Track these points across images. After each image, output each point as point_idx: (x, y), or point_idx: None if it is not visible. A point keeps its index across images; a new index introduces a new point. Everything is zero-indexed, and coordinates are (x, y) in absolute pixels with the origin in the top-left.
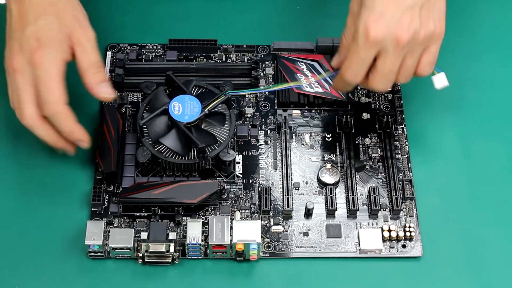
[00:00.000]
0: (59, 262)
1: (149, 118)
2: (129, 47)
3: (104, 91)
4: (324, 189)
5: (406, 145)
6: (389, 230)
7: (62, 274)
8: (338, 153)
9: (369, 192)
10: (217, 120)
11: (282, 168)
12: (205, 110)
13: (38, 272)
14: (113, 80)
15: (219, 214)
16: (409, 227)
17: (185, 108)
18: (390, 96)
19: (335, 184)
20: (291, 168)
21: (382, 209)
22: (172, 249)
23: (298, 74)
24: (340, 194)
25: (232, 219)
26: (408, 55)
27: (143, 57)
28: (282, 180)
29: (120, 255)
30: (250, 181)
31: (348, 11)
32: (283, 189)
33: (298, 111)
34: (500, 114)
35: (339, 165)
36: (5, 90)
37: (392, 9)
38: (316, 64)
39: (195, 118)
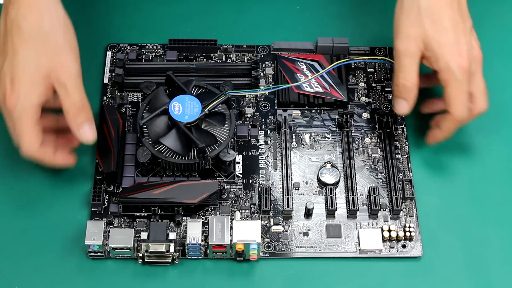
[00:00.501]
0: (59, 262)
1: (149, 118)
2: (129, 47)
3: (85, 134)
4: (324, 189)
5: (406, 145)
6: (389, 230)
7: (62, 274)
8: (338, 153)
9: (369, 192)
10: (217, 120)
11: (282, 168)
12: (205, 110)
13: (38, 272)
14: (113, 80)
15: (219, 214)
16: (409, 227)
17: (185, 108)
18: (390, 96)
19: (335, 184)
20: (291, 168)
21: (382, 209)
22: (172, 249)
23: (298, 74)
24: (340, 194)
25: (232, 219)
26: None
27: (143, 57)
28: (282, 180)
29: (120, 255)
30: (250, 181)
31: (401, 53)
32: (283, 189)
33: (298, 111)
34: (500, 114)
35: (339, 165)
36: None
37: (464, 36)
38: (316, 64)
39: (195, 118)
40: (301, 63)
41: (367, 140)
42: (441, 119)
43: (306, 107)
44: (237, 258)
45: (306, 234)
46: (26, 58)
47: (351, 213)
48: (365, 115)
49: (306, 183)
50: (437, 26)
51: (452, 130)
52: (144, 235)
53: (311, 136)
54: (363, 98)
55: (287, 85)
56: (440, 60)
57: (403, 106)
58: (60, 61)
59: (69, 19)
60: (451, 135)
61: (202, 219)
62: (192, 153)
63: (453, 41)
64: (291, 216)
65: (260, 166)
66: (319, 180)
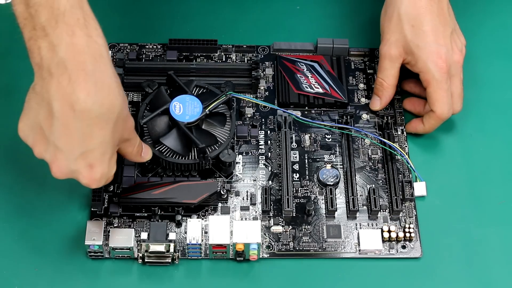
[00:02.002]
0: (59, 262)
1: (150, 117)
2: (129, 46)
3: (145, 157)
4: (324, 189)
5: (406, 146)
6: (389, 231)
7: (62, 274)
8: (338, 153)
9: (369, 193)
10: (218, 121)
11: (282, 168)
12: (206, 111)
13: (38, 272)
14: None
15: (219, 214)
16: (409, 228)
17: (186, 108)
18: None
19: (335, 185)
20: (291, 168)
21: (382, 210)
22: (172, 249)
23: (298, 75)
24: (340, 195)
25: (232, 219)
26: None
27: (143, 56)
28: (282, 180)
29: (120, 255)
30: (250, 181)
31: (382, 55)
32: (283, 189)
33: (298, 112)
34: (500, 114)
35: (339, 165)
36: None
37: (443, 39)
38: (316, 65)
39: (195, 118)
40: (301, 63)
41: (367, 141)
42: (425, 116)
43: (306, 108)
44: (237, 258)
45: (305, 234)
46: (103, 141)
47: (351, 213)
48: (365, 116)
49: (306, 183)
50: (416, 31)
51: (435, 127)
52: (144, 235)
53: (311, 136)
54: (363, 99)
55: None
56: (419, 62)
57: (376, 103)
58: (126, 126)
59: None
60: (432, 130)
61: (202, 219)
62: (192, 153)
63: (432, 43)
64: (291, 216)
65: (260, 166)
66: (319, 180)
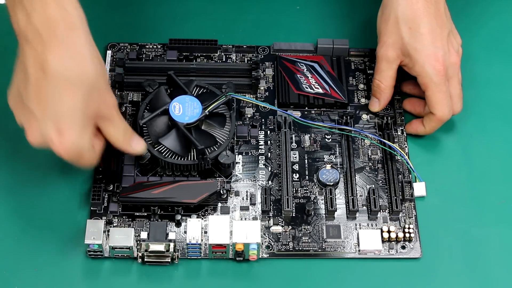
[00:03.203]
0: (58, 261)
1: (149, 118)
2: (129, 46)
3: (136, 149)
4: (324, 189)
5: (406, 146)
6: (389, 231)
7: (62, 274)
8: (338, 153)
9: (368, 193)
10: (218, 122)
11: (282, 168)
12: (206, 111)
13: (37, 272)
14: (113, 79)
15: (219, 214)
16: (409, 228)
17: (185, 108)
18: None
19: (335, 185)
20: (291, 168)
21: (381, 210)
22: (171, 249)
23: (298, 75)
24: (339, 195)
25: (231, 219)
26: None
27: (143, 56)
28: (282, 180)
29: (120, 255)
30: (250, 181)
31: (379, 57)
32: (283, 189)
33: (298, 112)
34: (500, 114)
35: (339, 165)
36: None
37: (440, 41)
38: (316, 65)
39: (195, 119)
40: (301, 64)
41: (367, 141)
42: (425, 118)
43: (306, 108)
44: (237, 258)
45: (305, 234)
46: (73, 108)
47: (351, 214)
48: (365, 116)
49: (306, 183)
50: (413, 33)
51: (435, 129)
52: (144, 235)
53: (311, 136)
54: (363, 100)
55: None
56: (416, 65)
57: (375, 105)
58: (103, 100)
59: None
60: (432, 132)
61: (202, 219)
62: (192, 154)
63: (429, 46)
64: (291, 216)
65: (260, 166)
66: (319, 181)
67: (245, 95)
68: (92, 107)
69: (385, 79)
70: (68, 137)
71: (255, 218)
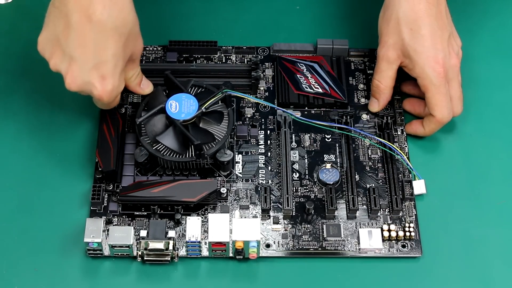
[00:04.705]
0: (58, 261)
1: (146, 116)
2: None
3: (145, 90)
4: (324, 189)
5: (406, 146)
6: (389, 230)
7: (61, 273)
8: (337, 153)
9: (368, 192)
10: (215, 118)
11: (282, 168)
12: (202, 108)
13: (37, 271)
14: None
15: (219, 212)
16: (409, 227)
17: (182, 106)
18: None
19: (335, 184)
20: (291, 168)
21: (382, 209)
22: (171, 247)
23: (298, 75)
24: (340, 194)
25: (231, 218)
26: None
27: (143, 58)
28: (282, 180)
29: (120, 253)
30: (250, 181)
31: (380, 57)
32: (282, 189)
33: (298, 112)
34: (500, 114)
35: (338, 165)
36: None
37: (441, 43)
38: (316, 65)
39: (191, 116)
40: (301, 64)
41: (367, 141)
42: (425, 120)
43: (306, 108)
44: (237, 257)
45: (305, 234)
46: (116, 54)
47: (351, 213)
48: (365, 116)
49: (306, 183)
50: (414, 34)
51: (434, 131)
52: (143, 233)
53: (311, 136)
54: (363, 100)
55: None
56: (416, 67)
57: (375, 105)
58: (137, 46)
59: None
60: (432, 134)
61: (202, 217)
62: (190, 152)
63: (430, 48)
64: (291, 216)
65: (260, 166)
66: (319, 180)
67: (241, 94)
68: (129, 52)
69: (384, 80)
70: (111, 83)
71: (255, 217)
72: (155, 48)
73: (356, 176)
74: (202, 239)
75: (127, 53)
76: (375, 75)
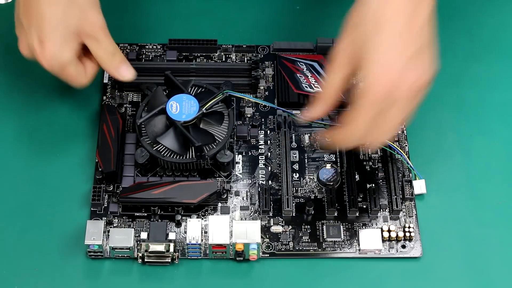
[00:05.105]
0: (58, 261)
1: (147, 117)
2: (129, 46)
3: (124, 74)
4: (324, 189)
5: (406, 145)
6: (389, 231)
7: (62, 274)
8: (338, 153)
9: (368, 192)
10: (215, 119)
11: (282, 168)
12: (203, 109)
13: (38, 272)
14: (113, 80)
15: (219, 214)
16: (409, 227)
17: (182, 107)
18: None
19: (335, 184)
20: (291, 168)
21: (381, 210)
22: (171, 249)
23: (298, 74)
24: (339, 194)
25: (232, 219)
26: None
27: (143, 57)
28: (282, 180)
29: (120, 255)
30: (250, 181)
31: (333, 56)
32: (283, 189)
33: (298, 111)
34: (500, 114)
35: (339, 165)
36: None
37: (399, 56)
38: (316, 64)
39: (192, 117)
40: (301, 63)
41: None
42: (332, 131)
43: (306, 107)
44: (237, 258)
45: (305, 234)
46: (53, 20)
47: (351, 213)
48: None
49: (306, 183)
50: (372, 36)
51: (339, 145)
52: (144, 235)
53: (311, 136)
54: None
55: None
56: (362, 72)
57: (310, 111)
58: (86, 17)
59: None
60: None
61: (202, 219)
62: (190, 153)
63: (382, 59)
64: (291, 216)
65: (260, 166)
66: (319, 180)
67: (242, 95)
68: (73, 22)
69: (330, 83)
70: (49, 48)
71: (255, 218)
72: (155, 47)
73: (356, 176)
74: (202, 240)
75: (72, 23)
76: (326, 76)
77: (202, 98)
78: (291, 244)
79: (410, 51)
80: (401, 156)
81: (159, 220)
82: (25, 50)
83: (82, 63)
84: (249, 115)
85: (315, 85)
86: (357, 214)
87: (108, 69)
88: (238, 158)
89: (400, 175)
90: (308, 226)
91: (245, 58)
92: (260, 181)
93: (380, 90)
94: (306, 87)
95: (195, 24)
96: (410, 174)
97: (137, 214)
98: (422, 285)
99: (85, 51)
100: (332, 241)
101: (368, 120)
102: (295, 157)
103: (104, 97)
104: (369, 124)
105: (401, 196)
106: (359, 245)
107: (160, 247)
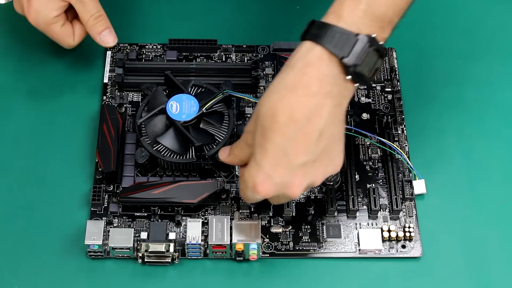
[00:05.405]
0: (59, 262)
1: (147, 117)
2: (129, 46)
3: (106, 40)
4: (324, 189)
5: (406, 145)
6: (389, 231)
7: (62, 274)
8: None
9: (368, 192)
10: (215, 119)
11: None
12: (203, 109)
13: (38, 272)
14: (113, 80)
15: (219, 214)
16: (409, 227)
17: (182, 107)
18: (390, 97)
19: (335, 184)
20: None
21: (381, 210)
22: (172, 249)
23: None
24: (340, 194)
25: (232, 219)
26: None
27: (143, 56)
28: None
29: (120, 255)
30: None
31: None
32: None
33: None
34: (500, 114)
35: None
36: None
37: (281, 171)
38: None
39: (192, 116)
40: None
41: (367, 140)
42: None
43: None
44: (237, 258)
45: (305, 234)
46: None
47: (351, 213)
48: (365, 115)
49: None
50: (260, 139)
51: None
52: (144, 235)
53: None
54: (363, 99)
55: None
56: (248, 178)
57: (225, 153)
58: None
59: None
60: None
61: (202, 219)
62: (190, 153)
63: (256, 165)
64: (291, 216)
65: None
66: None
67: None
68: None
69: (235, 153)
70: (34, 5)
71: (255, 218)
72: (155, 46)
73: (356, 176)
74: (202, 240)
75: None
76: (234, 146)
77: (202, 98)
78: (291, 244)
79: (298, 161)
80: (401, 156)
81: (159, 220)
82: (17, 6)
83: (72, 24)
84: (249, 115)
85: None
86: (357, 214)
87: (91, 33)
88: None
89: (400, 175)
90: (308, 226)
91: (245, 58)
92: None
93: (266, 193)
94: None
95: (195, 24)
96: (410, 174)
97: (137, 214)
98: (422, 285)
99: (76, 13)
100: (332, 241)
101: (249, 200)
102: None
103: (104, 97)
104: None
105: (401, 196)
106: (359, 245)
107: (160, 247)
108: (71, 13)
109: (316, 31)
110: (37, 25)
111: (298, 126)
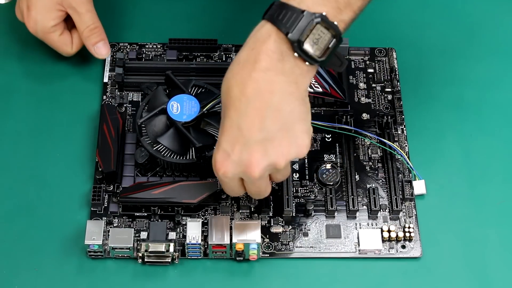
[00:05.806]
0: (59, 262)
1: (147, 117)
2: (129, 46)
3: (99, 52)
4: (324, 189)
5: (406, 145)
6: (389, 231)
7: (62, 274)
8: (338, 153)
9: (368, 192)
10: (216, 120)
11: None
12: (203, 110)
13: (38, 272)
14: (113, 79)
15: (219, 214)
16: (409, 227)
17: (183, 107)
18: (390, 97)
19: (335, 185)
20: (291, 168)
21: (381, 210)
22: (171, 249)
23: None
24: (339, 194)
25: (231, 219)
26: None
27: (143, 56)
28: (282, 180)
29: (120, 255)
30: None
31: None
32: (282, 189)
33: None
34: (500, 114)
35: (339, 165)
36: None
37: (237, 147)
38: None
39: (193, 117)
40: None
41: (367, 140)
42: None
43: None
44: (237, 258)
45: (305, 234)
46: None
47: (351, 213)
48: (365, 115)
49: (306, 183)
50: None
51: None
52: (144, 235)
53: None
54: (363, 99)
55: None
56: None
57: None
58: None
59: None
60: None
61: (202, 219)
62: (190, 153)
63: (237, 156)
64: (291, 216)
65: None
66: (319, 180)
67: None
68: None
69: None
70: (33, 14)
71: (255, 218)
72: (155, 46)
73: (356, 176)
74: (202, 240)
75: None
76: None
77: (203, 98)
78: (291, 244)
79: (256, 138)
80: (401, 156)
81: (159, 220)
82: (18, 13)
83: (70, 33)
84: None
85: (315, 85)
86: (357, 214)
87: (85, 44)
88: None
89: (400, 175)
90: (308, 226)
91: None
92: None
93: (225, 172)
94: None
95: (195, 24)
96: (410, 175)
97: (137, 214)
98: (422, 285)
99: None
100: (332, 241)
101: (234, 186)
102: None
103: (104, 97)
104: (238, 187)
105: (401, 196)
106: (359, 245)
107: (160, 247)
108: (70, 22)
109: (271, 12)
110: (35, 34)
111: (249, 101)
